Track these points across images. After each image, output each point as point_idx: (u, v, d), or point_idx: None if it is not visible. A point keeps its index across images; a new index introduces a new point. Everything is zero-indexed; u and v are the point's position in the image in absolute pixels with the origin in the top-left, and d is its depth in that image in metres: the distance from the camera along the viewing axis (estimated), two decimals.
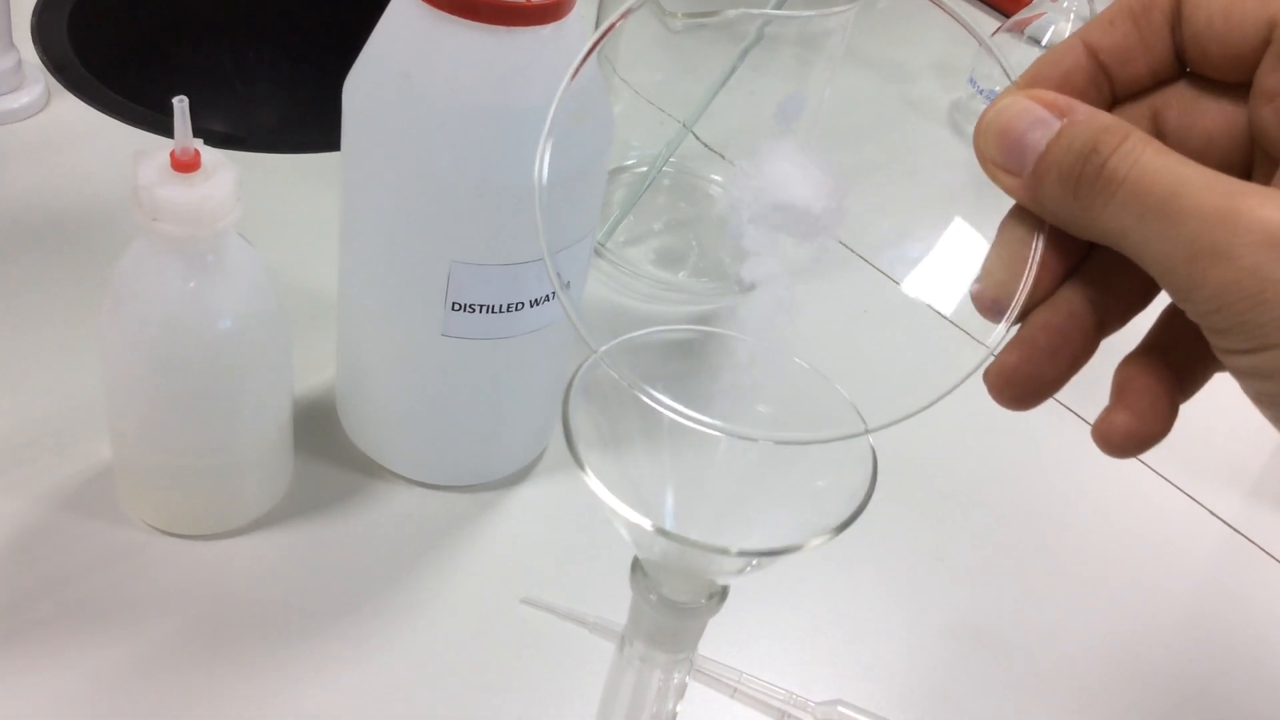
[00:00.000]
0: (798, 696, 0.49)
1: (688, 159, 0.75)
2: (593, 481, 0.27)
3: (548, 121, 0.28)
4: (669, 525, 0.27)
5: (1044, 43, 0.87)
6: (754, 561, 0.26)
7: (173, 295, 0.44)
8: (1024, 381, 0.27)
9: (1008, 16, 0.92)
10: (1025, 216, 0.27)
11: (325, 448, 0.55)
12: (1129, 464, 0.64)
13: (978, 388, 0.28)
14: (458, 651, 0.49)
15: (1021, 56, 0.87)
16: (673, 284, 0.68)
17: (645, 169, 0.69)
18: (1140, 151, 0.25)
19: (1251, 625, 0.57)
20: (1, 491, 0.50)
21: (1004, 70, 0.29)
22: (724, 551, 0.26)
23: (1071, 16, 0.88)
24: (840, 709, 0.48)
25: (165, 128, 0.70)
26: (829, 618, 0.53)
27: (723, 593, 0.29)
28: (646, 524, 0.26)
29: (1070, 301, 0.27)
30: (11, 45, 0.69)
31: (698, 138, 0.72)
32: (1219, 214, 0.24)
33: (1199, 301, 0.24)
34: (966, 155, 0.32)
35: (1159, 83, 0.28)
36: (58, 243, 0.62)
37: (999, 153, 0.26)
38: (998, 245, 0.28)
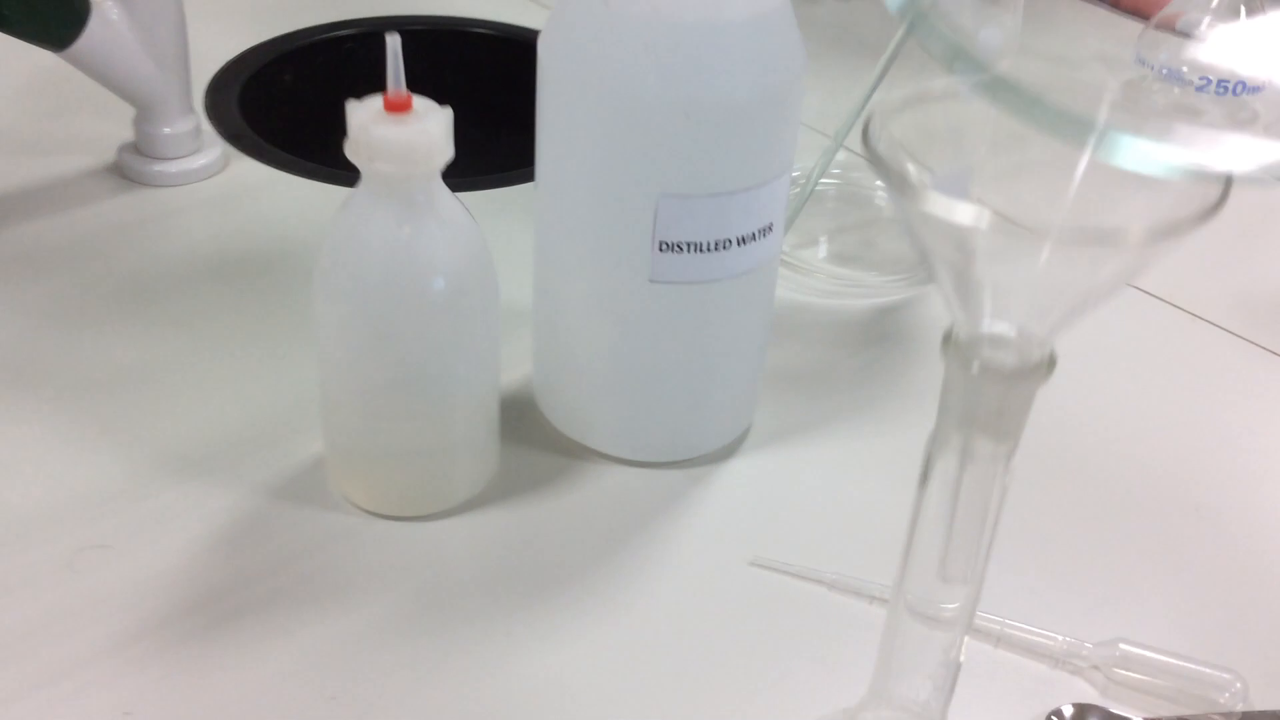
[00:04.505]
0: (1072, 640, 0.44)
1: (851, 170, 0.74)
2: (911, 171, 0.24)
3: None
4: None
5: (1197, 34, 0.85)
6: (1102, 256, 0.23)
7: (388, 240, 0.44)
8: None
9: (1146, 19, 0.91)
10: None
11: (528, 435, 0.54)
12: None
13: None
14: (685, 618, 0.46)
15: (1177, 52, 0.85)
16: (852, 279, 0.67)
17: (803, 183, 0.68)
18: None
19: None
20: (213, 486, 0.50)
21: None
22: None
23: (1214, 4, 0.85)
24: (1123, 647, 0.44)
25: (340, 179, 0.72)
26: (1086, 561, 0.49)
27: (1051, 360, 0.26)
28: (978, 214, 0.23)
29: None
30: (191, 109, 0.71)
31: (851, 150, 0.71)
32: None
33: None
34: None
35: None
36: (248, 276, 0.63)
37: None
38: None
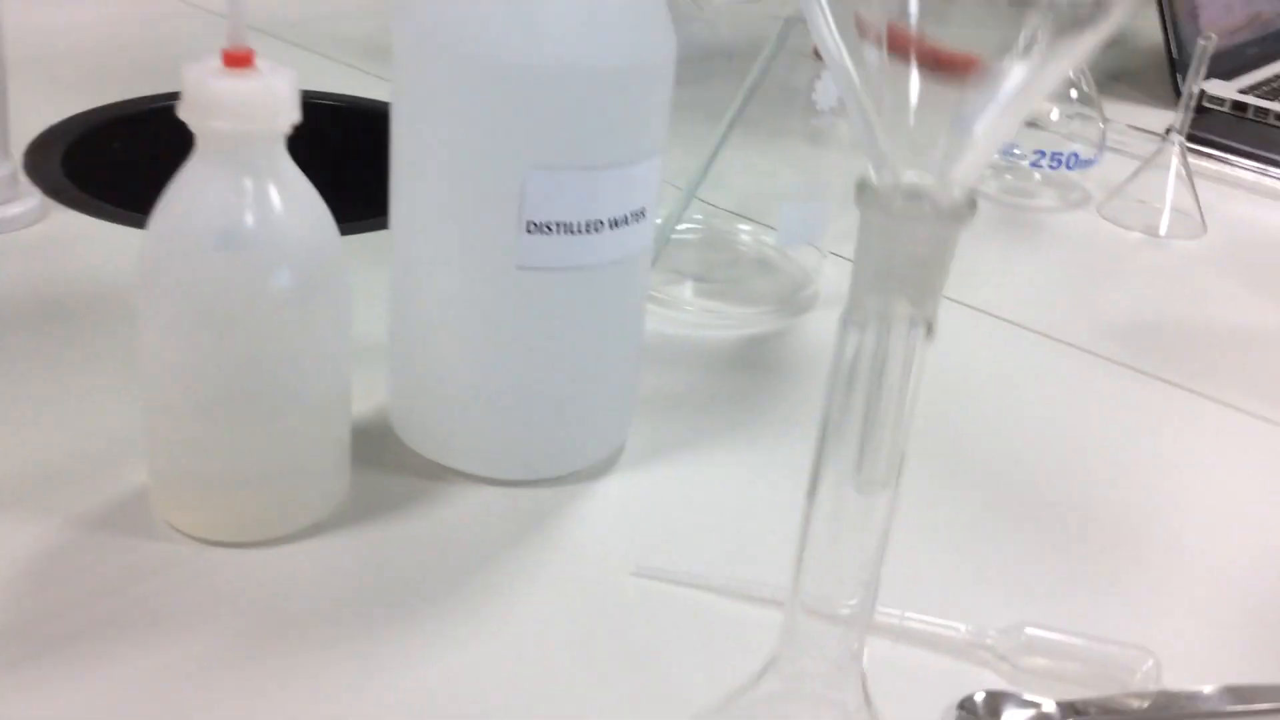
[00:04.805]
0: (975, 629, 0.42)
1: (712, 218, 0.73)
2: None
3: None
4: None
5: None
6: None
7: (225, 219, 0.40)
8: None
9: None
10: None
11: (381, 459, 0.49)
12: None
13: None
14: (563, 630, 0.42)
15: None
16: (721, 312, 0.65)
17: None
18: None
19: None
20: (16, 521, 0.44)
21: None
22: None
23: None
24: (1029, 631, 0.41)
25: None
26: (981, 553, 0.47)
27: (971, 202, 0.24)
28: None
29: None
30: (7, 154, 0.66)
31: (706, 202, 0.71)
32: None
33: None
34: None
35: None
36: (65, 321, 0.58)
37: None
38: None
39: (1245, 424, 0.60)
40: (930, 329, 0.25)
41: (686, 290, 0.67)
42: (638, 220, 0.45)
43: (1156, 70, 1.12)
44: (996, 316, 0.68)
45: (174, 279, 0.40)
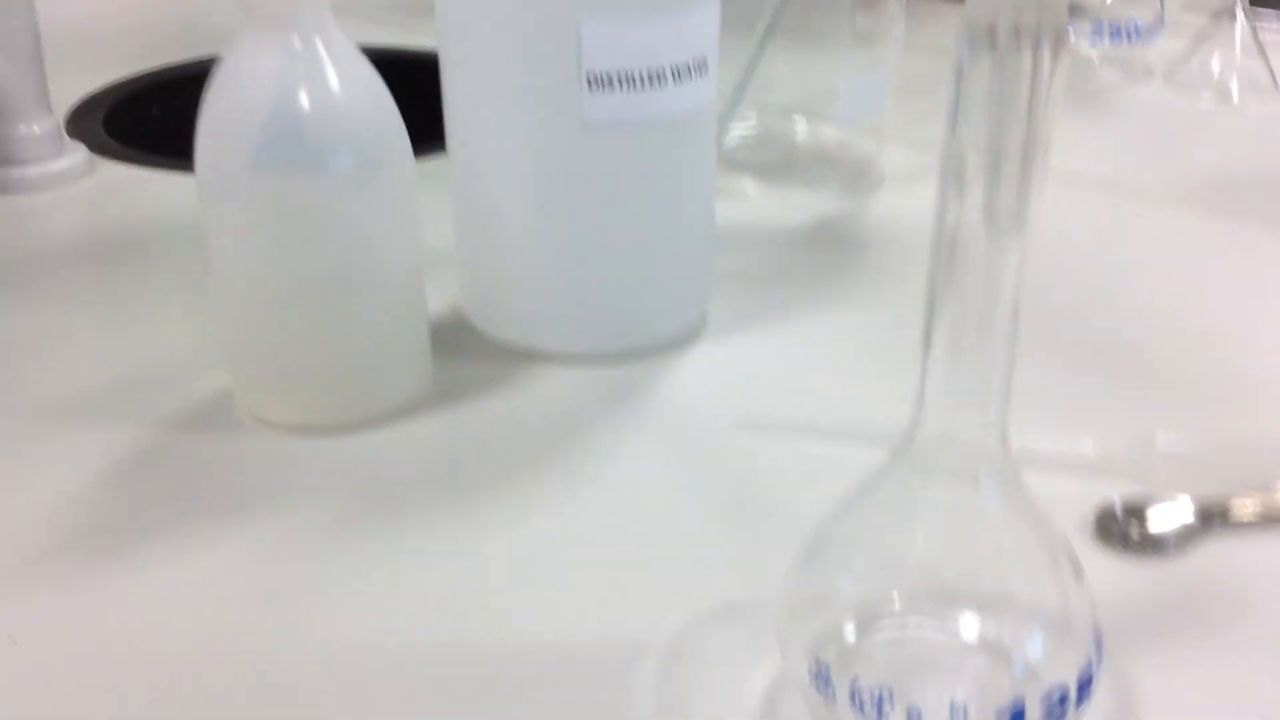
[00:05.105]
0: (1103, 444, 0.39)
1: (766, 115, 0.71)
2: None
3: None
4: None
5: None
6: None
7: (279, 102, 0.38)
8: None
9: None
10: None
11: (462, 348, 0.48)
12: None
13: None
14: (665, 483, 0.40)
15: None
16: (786, 198, 0.63)
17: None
18: None
19: None
20: (105, 427, 0.43)
21: None
22: None
23: None
24: (1161, 435, 0.39)
25: None
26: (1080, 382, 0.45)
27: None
28: None
29: None
30: (49, 110, 0.66)
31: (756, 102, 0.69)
32: None
33: None
34: None
35: None
36: (127, 259, 0.57)
37: None
38: None
39: None
40: (1060, 45, 0.23)
41: (747, 184, 0.65)
42: (700, 72, 0.43)
43: None
44: (1078, 182, 0.65)
45: (232, 166, 0.39)
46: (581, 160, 0.43)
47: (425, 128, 0.46)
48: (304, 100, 0.39)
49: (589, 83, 0.41)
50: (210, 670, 0.32)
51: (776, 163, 0.68)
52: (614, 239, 0.45)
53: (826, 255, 0.58)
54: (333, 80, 0.39)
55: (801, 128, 0.70)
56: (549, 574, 0.36)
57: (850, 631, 0.30)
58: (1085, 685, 0.27)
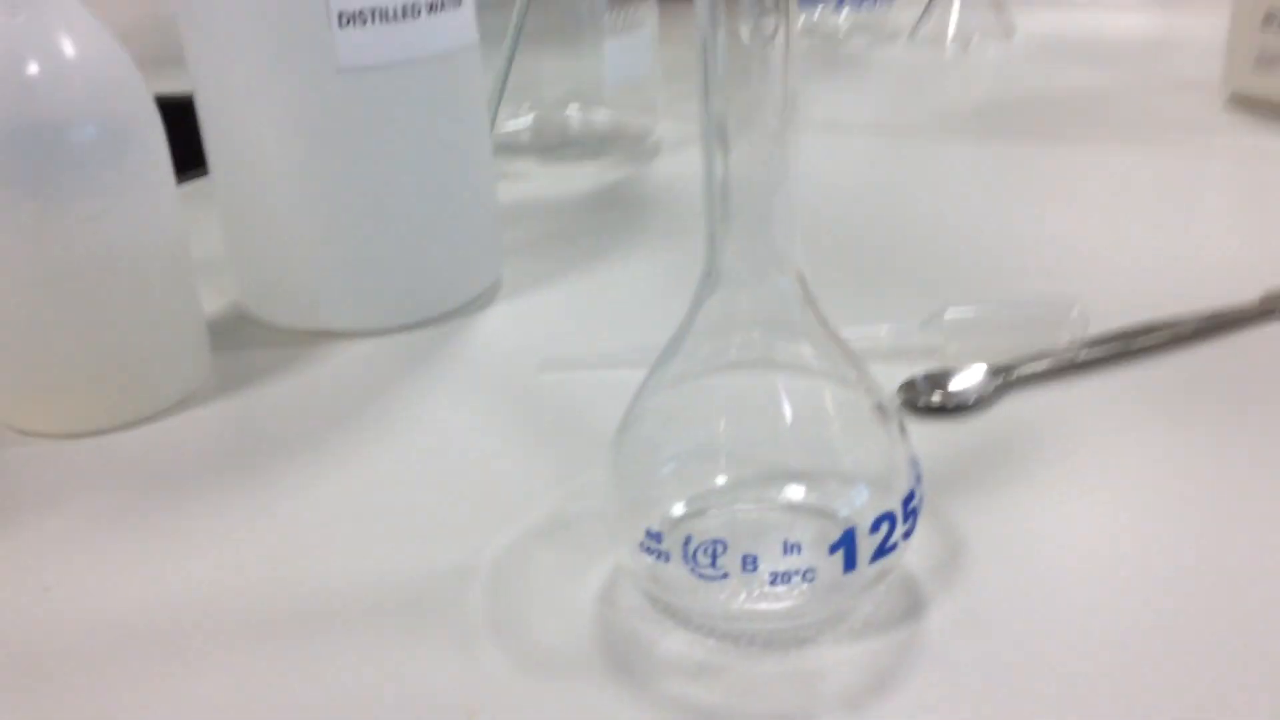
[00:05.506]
0: (895, 328, 0.40)
1: (537, 108, 0.71)
2: None
3: None
4: None
5: None
6: None
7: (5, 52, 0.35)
8: None
9: None
10: None
11: (242, 339, 0.45)
12: None
13: None
14: (479, 422, 0.38)
15: None
16: (568, 173, 0.63)
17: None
18: None
19: None
20: None
21: None
22: None
23: None
24: (951, 310, 0.40)
25: None
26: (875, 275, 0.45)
27: None
28: None
29: None
30: None
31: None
32: None
33: None
34: None
35: None
36: None
37: None
38: None
39: (1080, 152, 0.61)
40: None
41: (529, 165, 0.65)
42: (455, 4, 0.43)
43: None
44: (847, 130, 0.67)
45: None
46: (340, 105, 0.41)
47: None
48: (33, 66, 0.36)
49: (340, 21, 0.40)
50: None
51: (555, 144, 0.68)
52: (390, 196, 0.43)
53: (610, 214, 0.57)
54: (66, 42, 0.37)
55: (575, 114, 0.71)
56: (361, 519, 0.34)
57: (679, 509, 0.29)
58: (909, 502, 0.27)
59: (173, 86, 0.47)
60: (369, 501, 0.35)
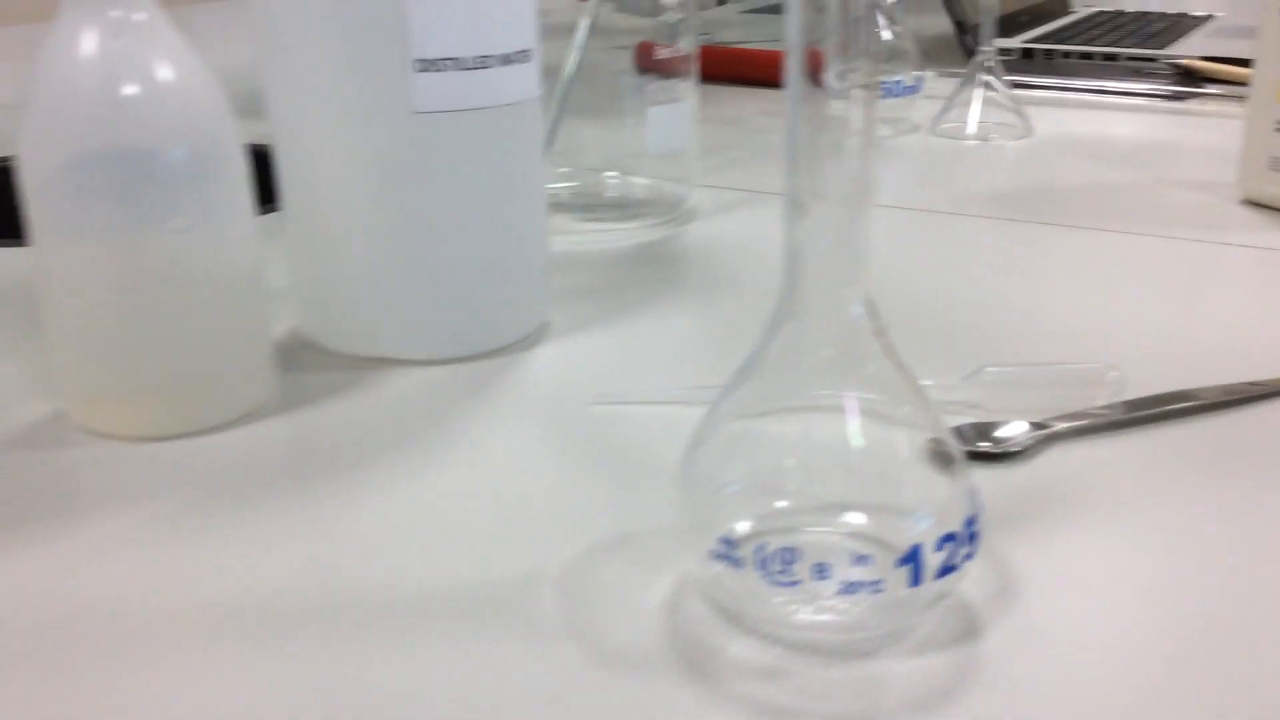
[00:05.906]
0: (937, 384, 0.42)
1: (578, 173, 0.74)
2: None
3: None
4: None
5: None
6: None
7: (101, 93, 0.37)
8: None
9: None
10: None
11: (304, 363, 0.46)
12: None
13: None
14: (531, 456, 0.40)
15: None
16: (608, 229, 0.65)
17: None
18: None
19: None
20: None
21: None
22: None
23: None
24: (989, 369, 0.42)
25: None
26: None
27: None
28: None
29: None
30: None
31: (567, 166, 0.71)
32: None
33: None
34: None
35: None
36: None
37: None
38: None
39: (1100, 237, 0.63)
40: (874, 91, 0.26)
41: (569, 222, 0.67)
42: (524, 60, 0.45)
43: (938, 45, 1.19)
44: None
45: (57, 158, 0.38)
46: (413, 146, 0.43)
47: None
48: (132, 88, 0.38)
49: (418, 66, 0.42)
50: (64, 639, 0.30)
51: (594, 204, 0.70)
52: (453, 233, 0.45)
53: (652, 270, 0.59)
54: (163, 68, 0.39)
55: (614, 180, 0.73)
56: (425, 531, 0.35)
57: (746, 527, 0.31)
58: (971, 524, 0.29)
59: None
60: (432, 515, 0.36)
